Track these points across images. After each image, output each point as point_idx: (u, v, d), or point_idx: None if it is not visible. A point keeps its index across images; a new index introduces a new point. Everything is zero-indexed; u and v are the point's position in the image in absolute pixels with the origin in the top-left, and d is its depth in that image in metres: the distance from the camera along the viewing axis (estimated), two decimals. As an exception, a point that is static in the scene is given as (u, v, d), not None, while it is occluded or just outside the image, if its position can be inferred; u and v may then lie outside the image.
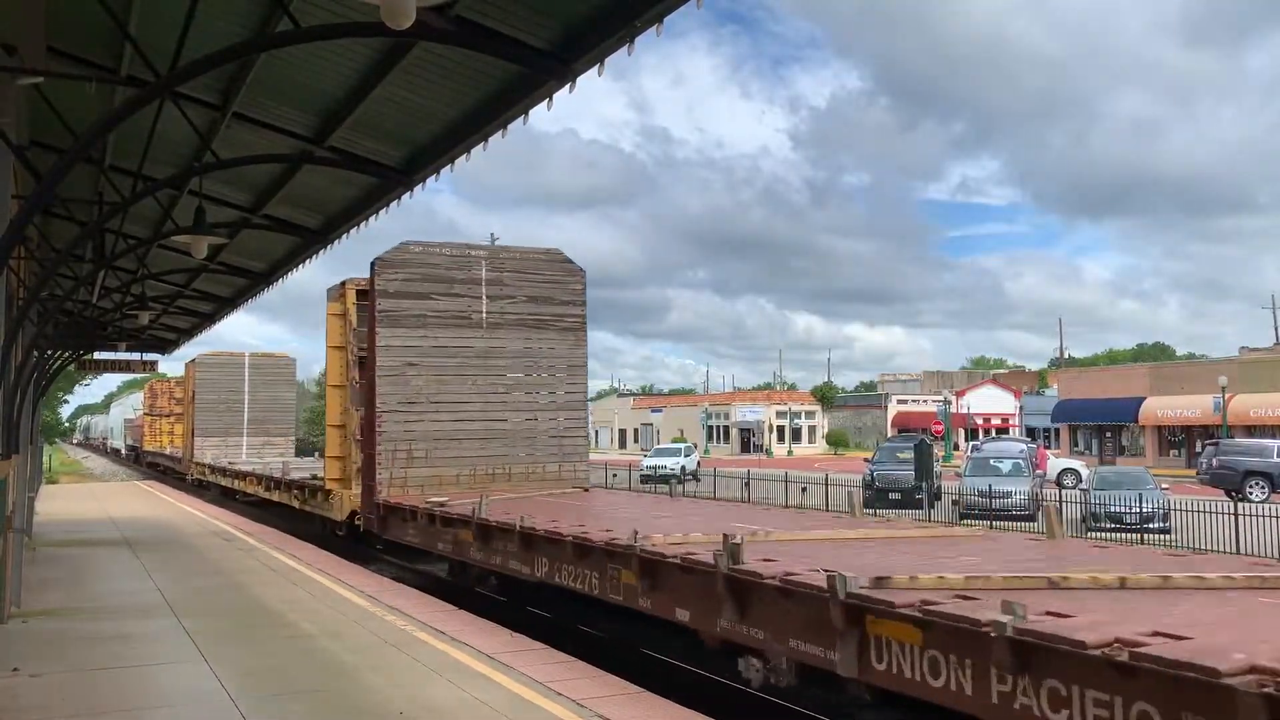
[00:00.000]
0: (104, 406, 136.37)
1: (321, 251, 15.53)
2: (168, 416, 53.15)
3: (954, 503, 28.25)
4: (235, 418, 36.90)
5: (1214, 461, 35.73)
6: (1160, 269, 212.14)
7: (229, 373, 37.32)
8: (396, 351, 16.22)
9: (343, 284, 19.54)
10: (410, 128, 10.40)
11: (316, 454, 47.12)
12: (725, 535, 7.68)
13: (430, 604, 11.89)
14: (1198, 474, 37.39)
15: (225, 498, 31.54)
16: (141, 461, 61.45)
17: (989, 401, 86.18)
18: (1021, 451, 33.02)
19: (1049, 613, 5.44)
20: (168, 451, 50.63)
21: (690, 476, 46.39)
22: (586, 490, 17.46)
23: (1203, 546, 19.83)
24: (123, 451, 79.38)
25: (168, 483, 45.22)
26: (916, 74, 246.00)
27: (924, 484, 29.73)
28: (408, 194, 11.96)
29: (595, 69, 7.84)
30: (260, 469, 27.98)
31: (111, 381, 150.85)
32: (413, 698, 7.60)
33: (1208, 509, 21.51)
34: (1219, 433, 46.20)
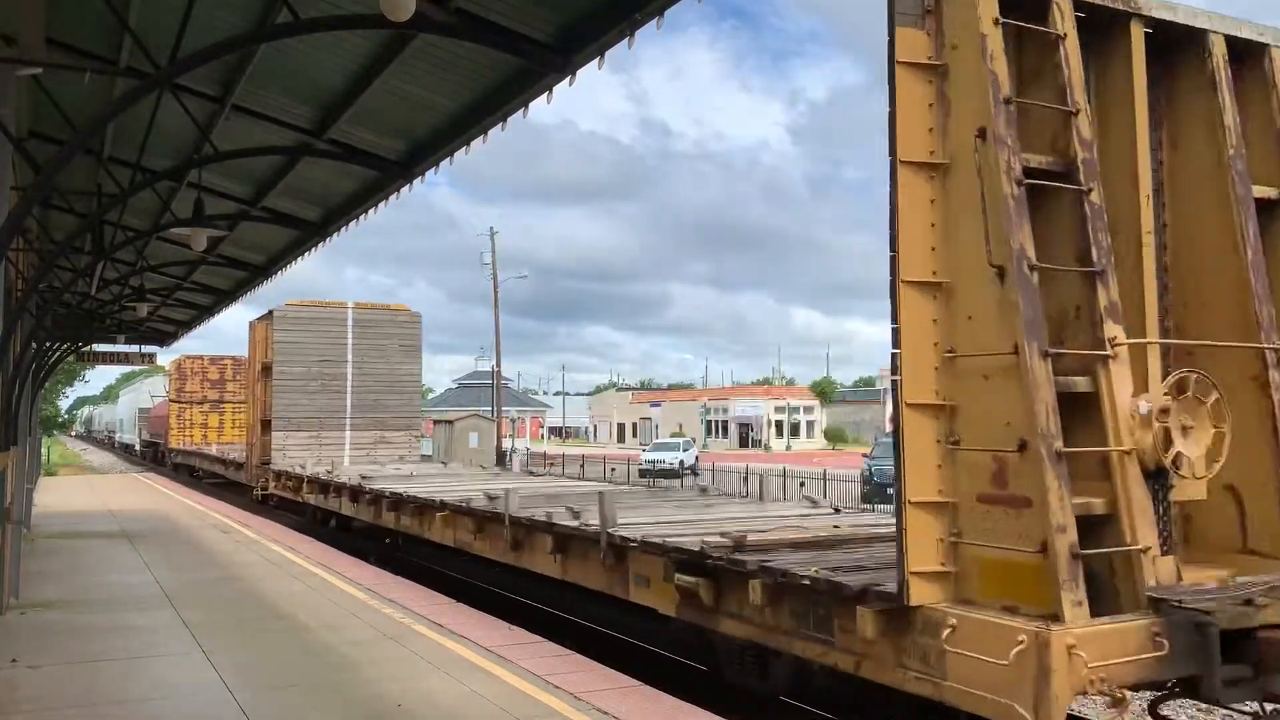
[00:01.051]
0: (106, 397, 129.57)
1: (321, 244, 15.53)
2: (200, 404, 44.94)
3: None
4: (333, 401, 24.95)
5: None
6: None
7: (324, 333, 24.89)
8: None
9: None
10: (410, 121, 10.40)
11: None
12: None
13: (429, 597, 11.90)
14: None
15: (341, 530, 19.73)
16: (166, 461, 49.17)
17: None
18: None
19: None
20: (208, 449, 40.72)
21: (689, 471, 46.44)
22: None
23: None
24: (136, 447, 66.48)
25: (165, 474, 43.70)
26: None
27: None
28: (407, 187, 11.96)
29: (595, 62, 7.84)
30: (431, 489, 15.53)
31: (110, 374, 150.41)
32: (411, 690, 7.60)
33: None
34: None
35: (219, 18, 8.73)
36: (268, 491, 24.66)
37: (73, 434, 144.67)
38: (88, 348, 27.62)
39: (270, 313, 25.45)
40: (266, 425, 25.06)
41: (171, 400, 46.34)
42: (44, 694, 7.61)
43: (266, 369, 25.33)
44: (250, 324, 27.14)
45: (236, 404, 43.39)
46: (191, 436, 44.74)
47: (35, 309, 14.57)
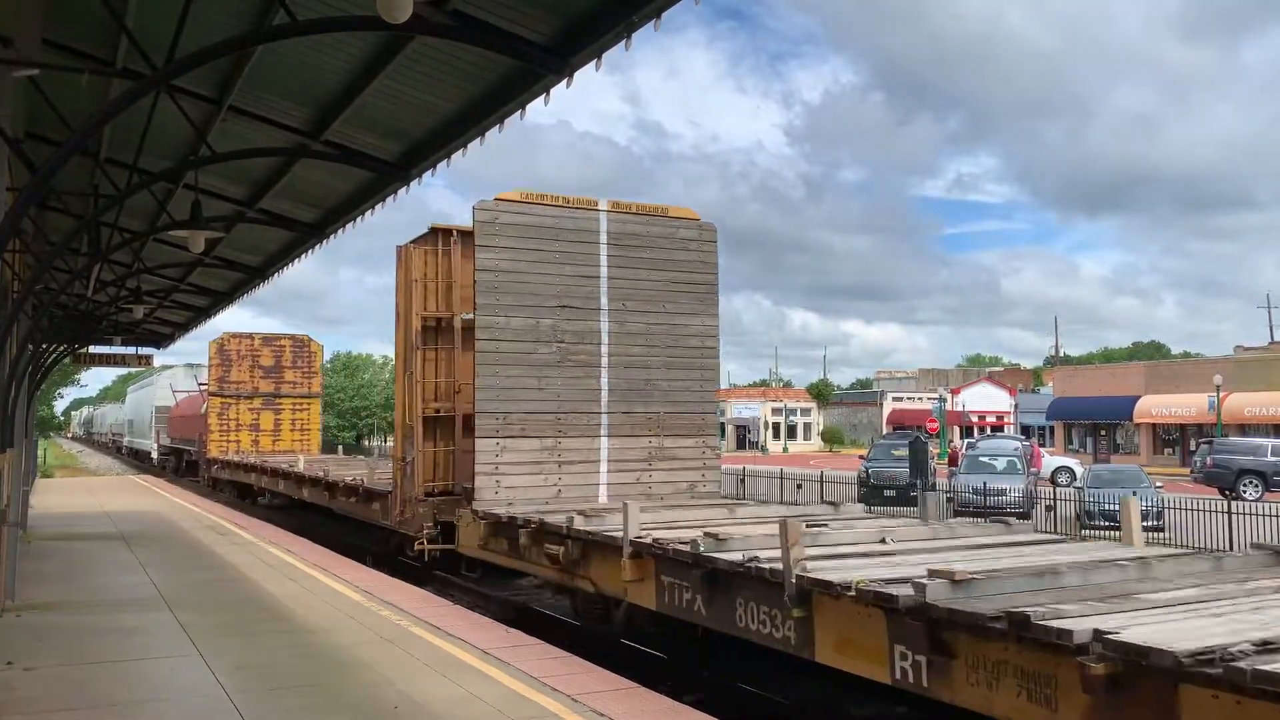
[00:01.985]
0: (104, 397, 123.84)
1: (318, 246, 15.51)
2: (250, 398, 33.43)
3: (948, 500, 28.30)
4: (576, 381, 14.12)
5: (1208, 460, 35.82)
6: (1157, 266, 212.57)
7: (562, 254, 14.08)
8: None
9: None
10: (407, 122, 10.39)
11: (341, 449, 40.97)
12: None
13: (425, 599, 11.90)
14: (1192, 472, 37.51)
15: None
16: (202, 475, 35.77)
17: (984, 399, 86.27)
18: (1016, 449, 33.08)
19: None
20: (276, 461, 26.71)
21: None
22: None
23: (1196, 545, 19.87)
24: (153, 455, 52.85)
25: (164, 476, 41.35)
26: (911, 69, 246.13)
27: (919, 481, 29.77)
28: (404, 189, 11.94)
29: (593, 64, 7.84)
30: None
31: (104, 376, 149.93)
32: (407, 692, 7.60)
33: (1201, 507, 21.56)
34: (1213, 431, 46.29)
35: (216, 19, 8.72)
36: (444, 549, 14.85)
37: (69, 436, 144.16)
38: (84, 349, 27.59)
39: (449, 231, 15.77)
40: (430, 425, 15.45)
41: (211, 393, 33.66)
42: (40, 696, 7.59)
43: (435, 327, 15.70)
44: (402, 250, 15.80)
45: (297, 399, 34.31)
46: (237, 442, 33.05)
47: (31, 310, 14.55)
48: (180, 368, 52.27)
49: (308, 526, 22.33)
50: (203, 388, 38.08)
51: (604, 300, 14.12)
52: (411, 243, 15.95)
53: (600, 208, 14.16)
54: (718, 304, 15.13)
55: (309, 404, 34.84)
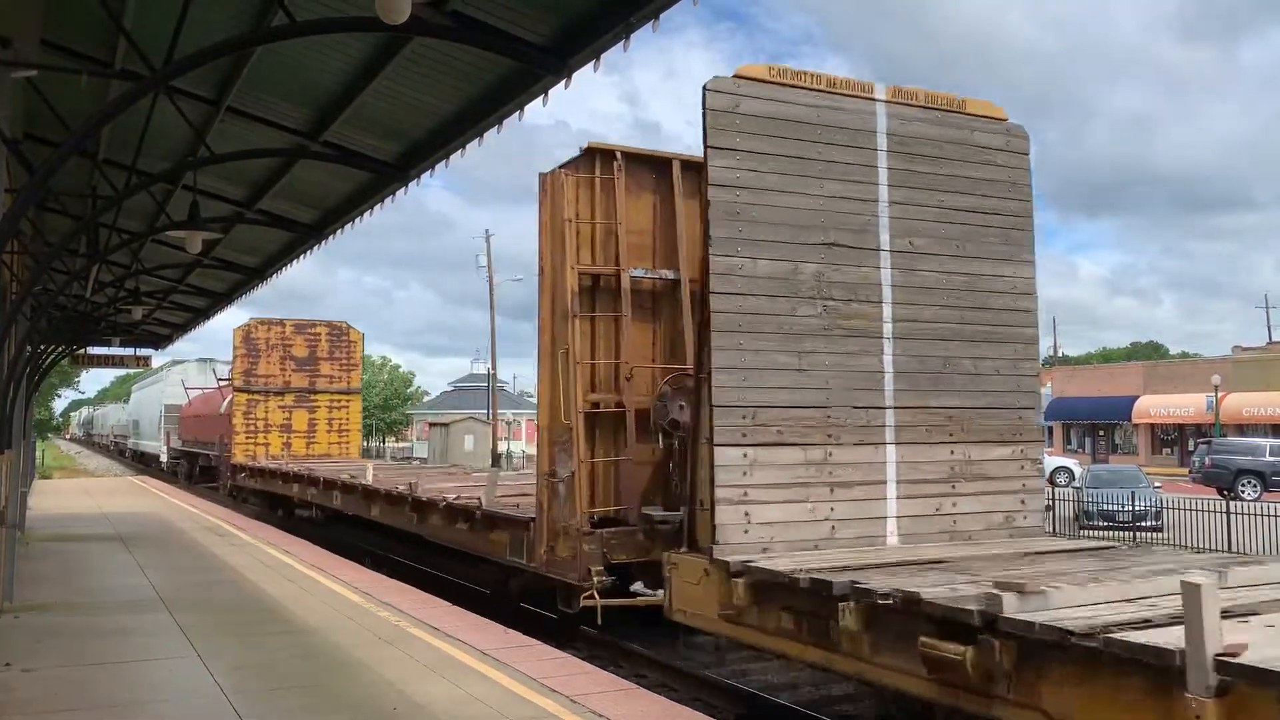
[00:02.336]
0: (110, 395, 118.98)
1: (316, 247, 15.52)
2: (281, 394, 28.91)
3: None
4: (851, 360, 8.96)
5: (1206, 460, 35.88)
6: (1156, 266, 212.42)
7: (827, 165, 8.97)
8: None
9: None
10: (406, 123, 10.39)
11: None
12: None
13: (424, 600, 11.89)
14: (1190, 473, 37.56)
15: None
16: (224, 484, 31.04)
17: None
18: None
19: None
20: (326, 470, 21.93)
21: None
22: None
23: (1193, 545, 19.90)
24: (162, 459, 47.07)
25: (174, 483, 36.51)
26: (910, 69, 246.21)
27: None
28: (403, 189, 11.95)
29: (591, 65, 7.84)
30: None
31: (101, 377, 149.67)
32: (406, 693, 7.59)
33: (1200, 507, 21.59)
34: (1212, 431, 46.34)
35: (214, 20, 8.72)
36: (624, 604, 11.23)
37: (67, 437, 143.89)
38: (83, 350, 27.57)
39: (610, 154, 12.00)
40: (589, 425, 11.52)
41: (236, 389, 28.81)
42: (38, 697, 7.59)
43: (592, 287, 11.86)
44: (549, 179, 11.69)
45: (335, 395, 29.65)
46: (266, 444, 28.44)
47: (30, 311, 14.54)
48: (193, 363, 47.55)
49: (348, 545, 18.45)
50: (224, 383, 34.45)
51: (885, 236, 9.24)
52: (562, 168, 11.66)
53: (877, 95, 9.39)
54: (1033, 245, 10.09)
55: (348, 401, 30.10)
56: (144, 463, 56.28)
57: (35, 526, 19.51)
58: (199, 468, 38.41)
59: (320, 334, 29.80)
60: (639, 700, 7.55)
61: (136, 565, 14.64)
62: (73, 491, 32.51)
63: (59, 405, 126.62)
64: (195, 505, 26.18)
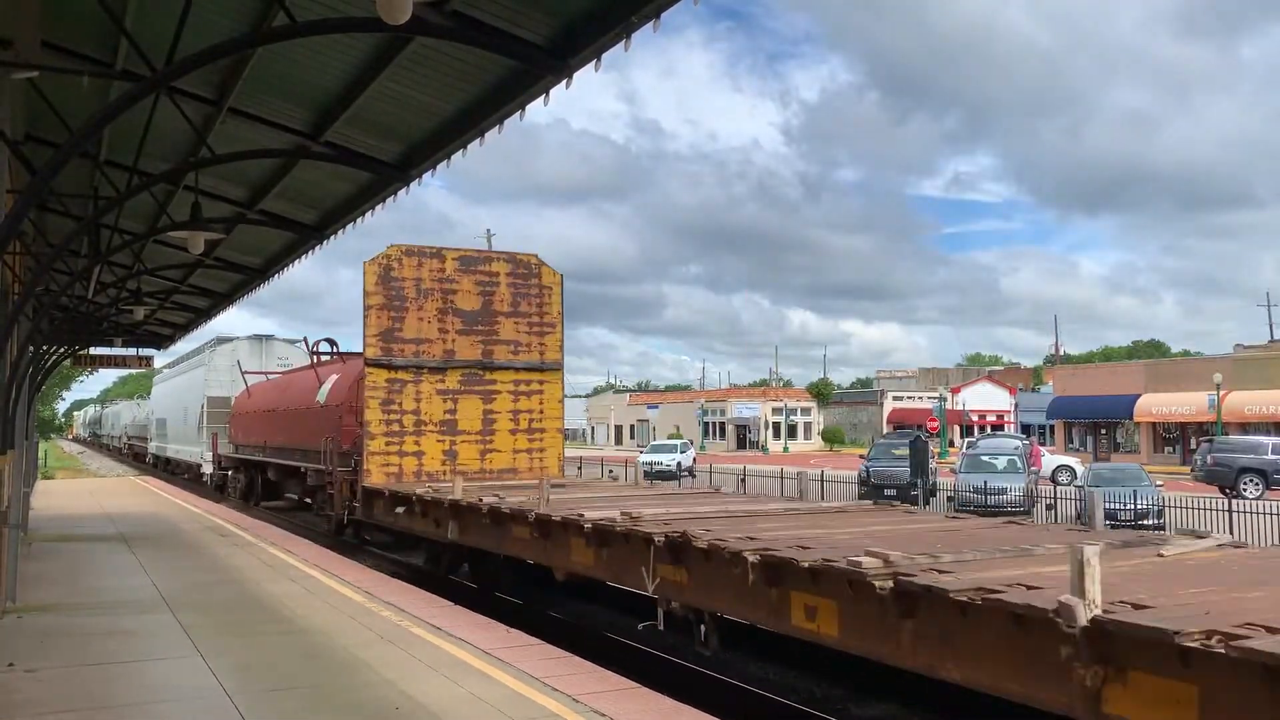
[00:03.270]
0: (113, 395, 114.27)
1: (318, 247, 15.52)
2: (439, 371, 17.80)
3: (949, 499, 28.32)
4: None
5: (1208, 458, 35.84)
6: (1157, 265, 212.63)
7: None
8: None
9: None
10: (407, 123, 10.40)
11: None
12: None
13: (427, 600, 11.90)
14: (1192, 471, 37.50)
15: None
16: (339, 516, 18.85)
17: (984, 398, 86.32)
18: (1016, 448, 33.09)
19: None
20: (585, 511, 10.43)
21: (686, 473, 46.40)
22: None
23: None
24: (205, 470, 34.98)
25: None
26: (909, 67, 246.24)
27: (919, 480, 29.79)
28: (404, 189, 11.95)
29: (592, 65, 7.85)
30: None
31: (104, 378, 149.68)
32: (409, 693, 7.60)
33: (1202, 505, 21.58)
34: (1213, 430, 46.30)
35: (215, 21, 8.73)
36: None
37: (70, 437, 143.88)
38: (85, 351, 27.58)
39: None
40: None
41: (371, 362, 17.59)
42: (41, 698, 7.60)
43: None
44: None
45: (523, 372, 18.64)
46: (419, 455, 17.64)
47: (32, 312, 14.55)
48: (244, 340, 36.64)
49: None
50: (325, 358, 24.33)
51: None
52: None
53: None
54: None
55: (543, 382, 18.69)
56: (167, 468, 45.51)
57: (38, 527, 19.54)
58: (263, 483, 27.54)
59: (499, 274, 18.43)
60: (640, 699, 7.56)
61: (139, 565, 14.65)
62: (75, 492, 32.54)
63: (60, 406, 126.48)
64: (198, 505, 26.20)
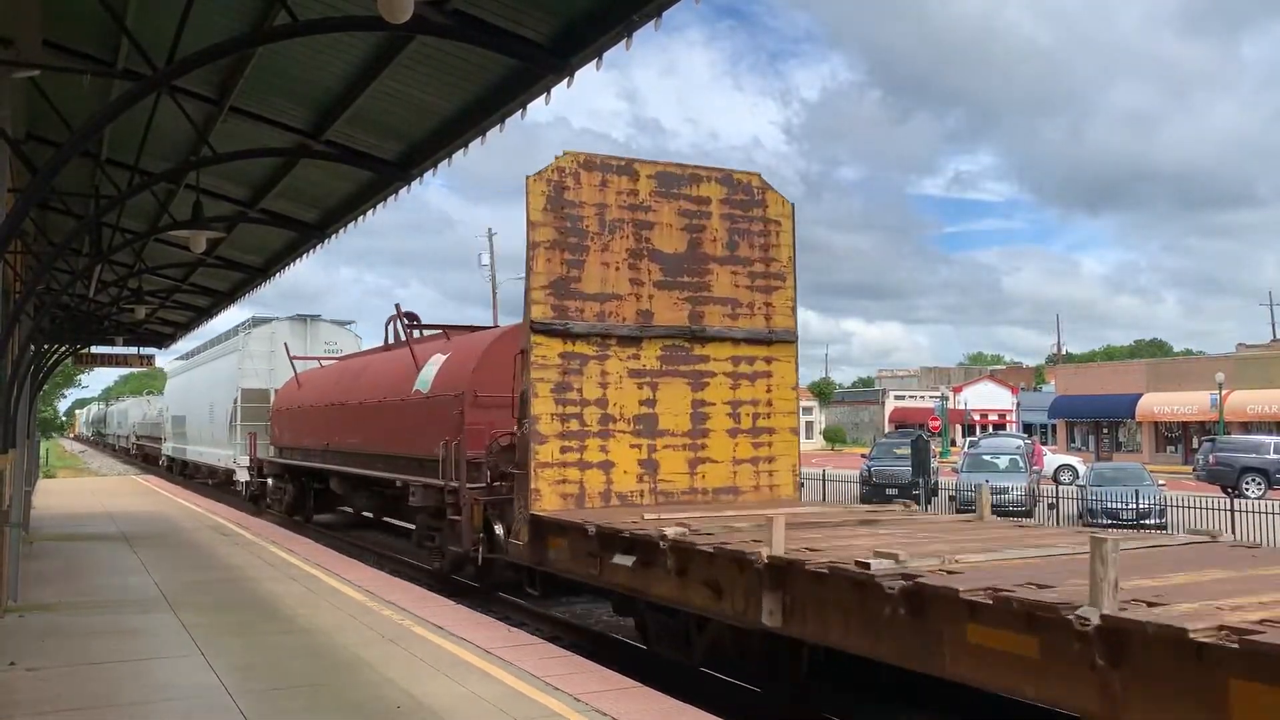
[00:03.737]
0: (114, 394, 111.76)
1: (319, 246, 15.53)
2: (631, 341, 11.88)
3: (950, 499, 28.31)
4: None
5: (1210, 458, 35.83)
6: (1158, 264, 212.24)
7: None
8: None
9: None
10: (408, 122, 10.40)
11: None
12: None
13: (427, 599, 11.90)
14: (1194, 470, 37.49)
15: None
16: (445, 554, 14.88)
17: (986, 397, 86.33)
18: (1018, 448, 33.09)
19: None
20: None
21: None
22: None
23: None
24: (239, 476, 29.74)
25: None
26: (909, 66, 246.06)
27: (921, 480, 29.78)
28: (405, 188, 11.95)
29: (593, 64, 7.84)
30: None
31: (107, 376, 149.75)
32: (410, 692, 7.60)
33: (1204, 505, 21.57)
34: (1215, 429, 46.27)
35: (217, 20, 8.73)
36: None
37: (72, 436, 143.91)
38: (86, 350, 27.61)
39: None
40: None
41: (540, 328, 11.37)
42: (43, 697, 7.60)
43: None
44: None
45: (744, 345, 12.84)
46: (606, 468, 11.60)
47: (33, 311, 14.56)
48: (284, 321, 30.84)
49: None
50: (427, 334, 19.29)
51: None
52: None
53: None
54: None
55: (772, 359, 13.22)
56: (181, 471, 40.64)
57: (39, 526, 19.55)
58: (317, 494, 23.17)
59: (710, 200, 12.78)
60: (642, 698, 7.55)
61: (140, 564, 14.66)
62: (77, 491, 32.57)
63: (62, 405, 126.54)
64: (199, 505, 26.21)
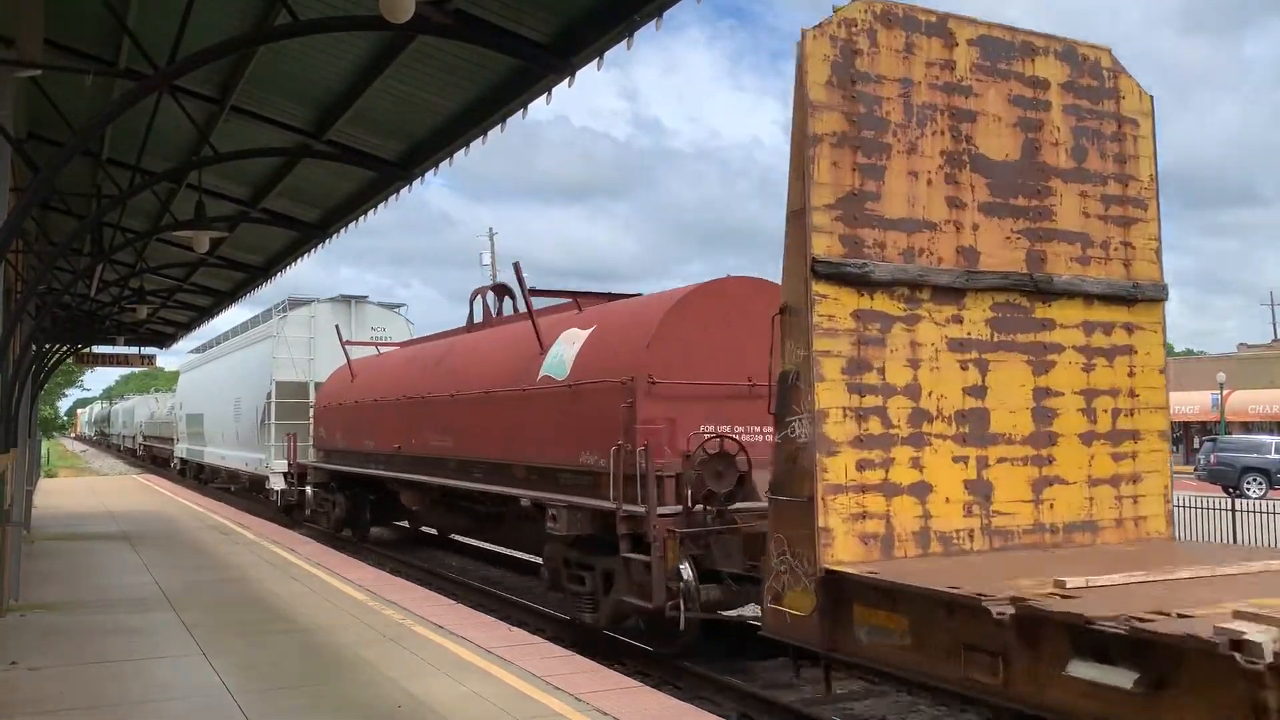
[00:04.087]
0: (116, 393, 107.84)
1: (320, 245, 15.54)
2: (953, 295, 7.45)
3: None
4: None
5: (1211, 458, 35.82)
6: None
7: None
8: None
9: None
10: (409, 122, 10.40)
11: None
12: None
13: (428, 598, 11.90)
14: (1195, 470, 37.46)
15: None
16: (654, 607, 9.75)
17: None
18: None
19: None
20: None
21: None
22: None
23: (1197, 543, 19.85)
24: (273, 484, 24.88)
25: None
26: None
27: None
28: (406, 188, 11.97)
29: (594, 63, 7.85)
30: None
31: (108, 376, 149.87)
32: (411, 691, 7.60)
33: (1205, 505, 21.55)
34: (1217, 429, 46.25)
35: (218, 19, 8.74)
36: None
37: (74, 436, 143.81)
38: (87, 349, 27.64)
39: None
40: None
41: (824, 270, 6.95)
42: (44, 696, 7.60)
43: None
44: None
45: (1098, 303, 8.16)
46: (923, 488, 7.22)
47: (34, 310, 14.57)
48: (324, 303, 26.18)
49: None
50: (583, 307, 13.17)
51: None
52: None
53: None
54: None
55: (1133, 327, 8.34)
56: (199, 480, 36.22)
57: (40, 525, 19.56)
58: (373, 506, 19.56)
59: (1048, 85, 8.16)
60: (643, 698, 7.55)
61: (141, 564, 14.66)
62: (78, 490, 32.59)
63: (63, 405, 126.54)
64: (200, 504, 26.22)
